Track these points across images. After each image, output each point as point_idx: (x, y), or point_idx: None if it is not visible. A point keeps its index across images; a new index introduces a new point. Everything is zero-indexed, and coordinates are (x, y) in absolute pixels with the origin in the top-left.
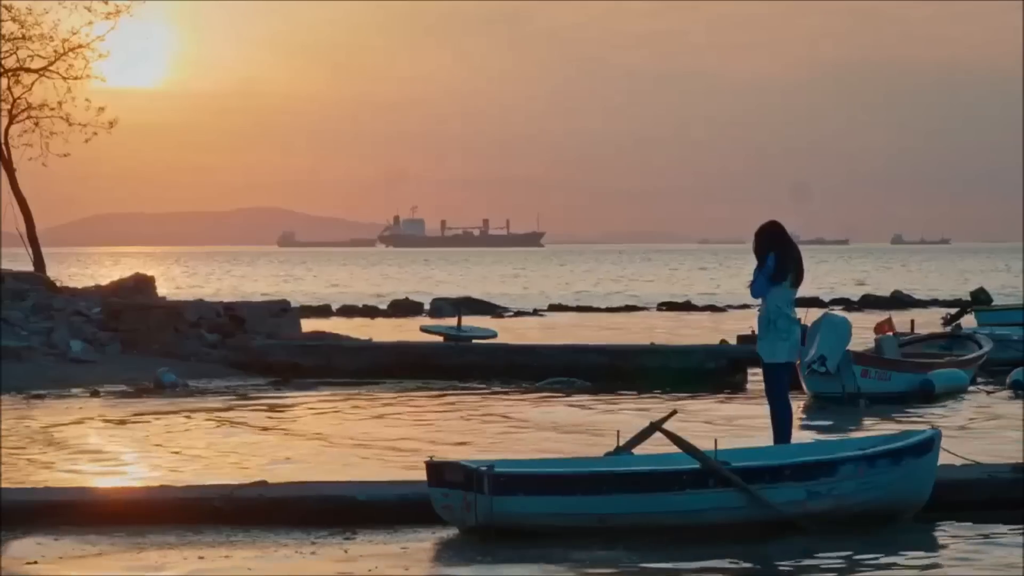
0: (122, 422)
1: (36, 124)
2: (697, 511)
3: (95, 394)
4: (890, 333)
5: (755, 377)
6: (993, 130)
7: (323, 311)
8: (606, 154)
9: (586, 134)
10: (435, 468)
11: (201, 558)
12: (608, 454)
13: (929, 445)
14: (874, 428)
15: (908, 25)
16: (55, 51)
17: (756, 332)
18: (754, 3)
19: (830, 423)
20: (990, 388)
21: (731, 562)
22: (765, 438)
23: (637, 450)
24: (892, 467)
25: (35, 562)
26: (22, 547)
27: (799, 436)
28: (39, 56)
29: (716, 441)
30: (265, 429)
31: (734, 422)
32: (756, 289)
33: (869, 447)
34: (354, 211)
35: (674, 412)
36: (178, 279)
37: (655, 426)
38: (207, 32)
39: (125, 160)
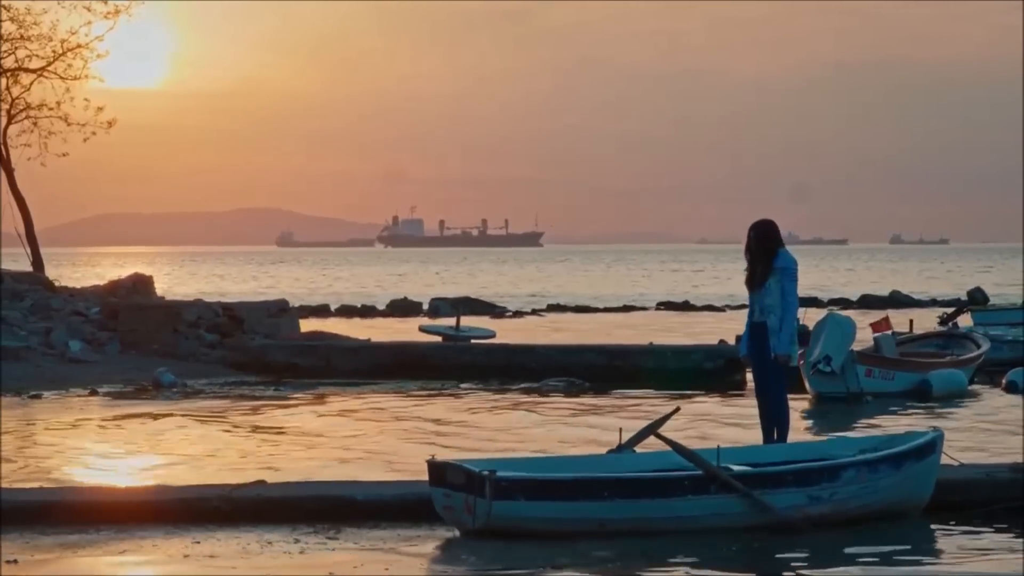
0: (120, 422)
1: (35, 124)
2: (698, 516)
3: (94, 394)
4: (888, 331)
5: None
6: (992, 130)
7: (322, 311)
8: (605, 154)
9: (585, 133)
10: (437, 468)
11: (186, 556)
12: (610, 451)
13: (931, 447)
14: (878, 428)
15: (908, 25)
16: (54, 51)
17: None
18: (754, 3)
19: (833, 423)
20: (986, 388)
21: (730, 563)
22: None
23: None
24: (894, 471)
25: (14, 561)
26: (15, 546)
27: (801, 436)
28: (38, 56)
29: (719, 448)
30: (264, 429)
31: (733, 422)
32: None
33: (871, 448)
34: (353, 211)
35: (677, 410)
36: (176, 279)
37: (654, 428)
38: (205, 32)
39: (124, 160)
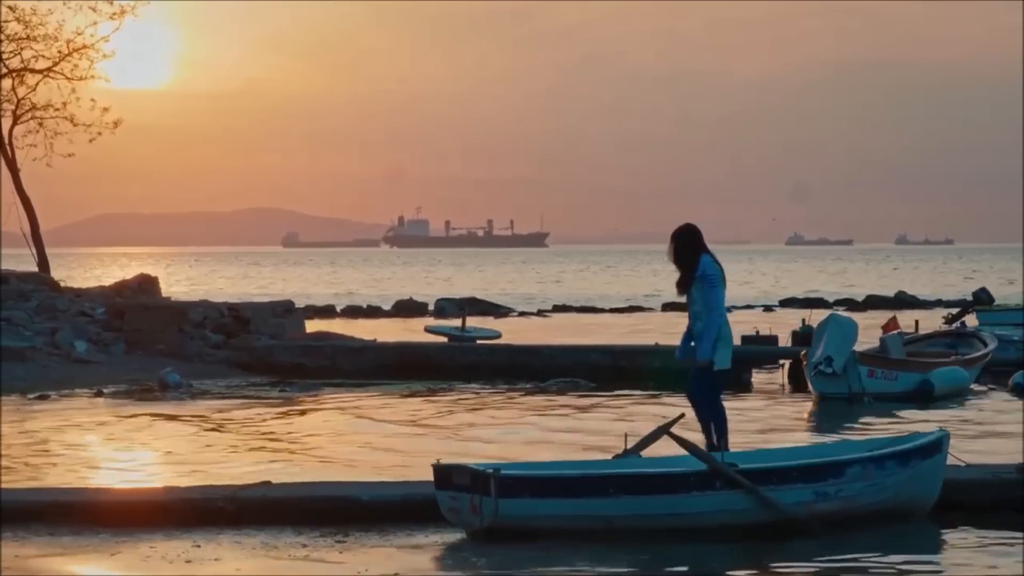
0: (126, 422)
1: (40, 124)
2: (704, 513)
3: (99, 394)
4: (896, 332)
5: (759, 377)
6: (996, 130)
7: (327, 311)
8: (610, 153)
9: (590, 133)
10: (442, 471)
11: (188, 562)
12: (616, 457)
13: (937, 447)
14: (881, 429)
15: (908, 25)
16: (59, 52)
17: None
18: (754, 3)
19: (836, 425)
20: (992, 389)
21: (736, 563)
22: (767, 438)
23: (645, 453)
24: (900, 468)
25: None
26: (12, 547)
27: (803, 436)
28: (43, 57)
29: (722, 451)
30: (269, 429)
31: (736, 422)
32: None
33: (877, 449)
34: (358, 211)
35: (682, 415)
36: (182, 279)
37: (663, 429)
38: (210, 33)
39: (129, 160)
